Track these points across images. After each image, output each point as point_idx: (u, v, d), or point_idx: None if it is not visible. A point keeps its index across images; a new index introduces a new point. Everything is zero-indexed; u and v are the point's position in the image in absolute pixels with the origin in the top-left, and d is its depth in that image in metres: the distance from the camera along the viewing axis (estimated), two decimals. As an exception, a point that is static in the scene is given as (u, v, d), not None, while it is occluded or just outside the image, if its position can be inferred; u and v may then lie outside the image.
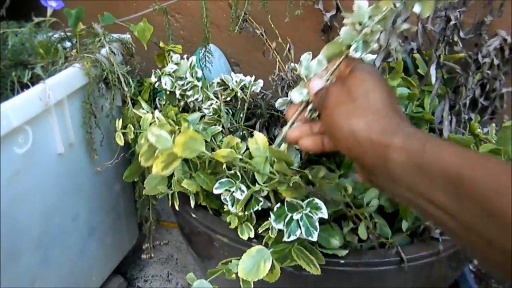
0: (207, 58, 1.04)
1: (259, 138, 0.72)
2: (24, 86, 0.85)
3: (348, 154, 0.52)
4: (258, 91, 0.96)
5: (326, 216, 0.68)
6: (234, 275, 0.71)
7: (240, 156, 0.72)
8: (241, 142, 0.80)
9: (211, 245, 0.84)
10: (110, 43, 0.93)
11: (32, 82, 0.85)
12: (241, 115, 0.94)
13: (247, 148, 0.84)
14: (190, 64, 0.92)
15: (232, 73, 0.96)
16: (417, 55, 0.95)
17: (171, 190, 0.82)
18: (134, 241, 1.22)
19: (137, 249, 1.28)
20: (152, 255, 1.12)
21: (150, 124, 0.82)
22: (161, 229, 1.37)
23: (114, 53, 0.91)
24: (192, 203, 0.81)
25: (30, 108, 0.76)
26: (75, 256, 0.97)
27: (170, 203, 0.84)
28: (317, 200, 0.69)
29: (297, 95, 0.61)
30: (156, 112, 0.82)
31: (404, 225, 0.78)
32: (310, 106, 0.60)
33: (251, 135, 0.95)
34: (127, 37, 0.97)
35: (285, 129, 0.61)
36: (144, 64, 1.01)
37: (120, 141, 0.86)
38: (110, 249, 1.10)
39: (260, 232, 0.73)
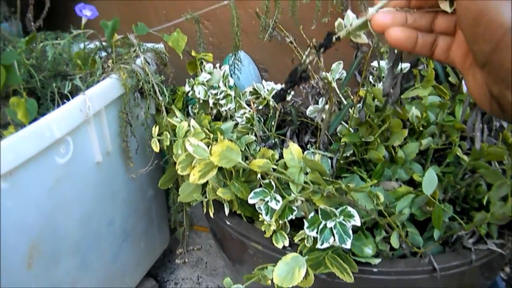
0: (236, 66, 1.06)
1: (294, 149, 0.74)
2: (63, 97, 0.88)
3: (487, 58, 0.39)
4: (289, 99, 0.98)
5: (359, 224, 0.70)
6: (269, 281, 0.72)
7: (275, 167, 0.73)
8: (273, 150, 0.81)
9: (244, 251, 0.85)
10: (145, 53, 0.95)
11: (70, 93, 0.88)
12: (273, 123, 0.96)
13: (280, 156, 0.86)
14: (223, 74, 0.94)
15: (264, 82, 0.98)
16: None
17: (206, 197, 0.84)
18: (166, 245, 1.24)
19: (168, 252, 1.31)
20: (186, 260, 1.14)
21: (186, 132, 0.84)
22: (191, 232, 1.39)
23: (148, 63, 0.94)
24: (227, 211, 0.83)
25: (71, 120, 0.79)
26: (110, 260, 1.00)
27: (204, 210, 0.86)
28: (350, 208, 0.71)
29: None
30: (192, 121, 0.84)
31: (436, 233, 0.78)
32: None
33: (282, 143, 0.97)
34: (161, 46, 0.99)
35: (371, 10, 0.47)
36: (174, 70, 1.03)
37: (156, 148, 0.89)
38: (143, 253, 1.13)
39: (295, 241, 0.75)
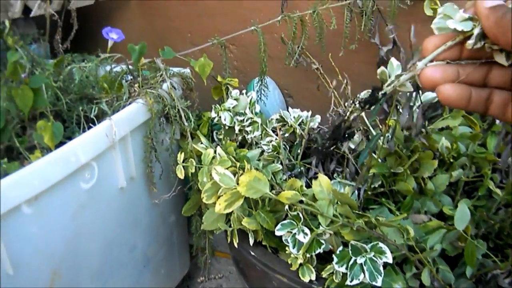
0: (262, 92, 1.05)
1: (323, 181, 0.72)
2: (88, 120, 0.88)
3: None
4: (315, 126, 0.96)
5: (391, 261, 0.68)
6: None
7: (304, 199, 0.72)
8: (299, 179, 0.80)
9: (268, 282, 0.83)
10: (171, 77, 0.94)
11: (96, 116, 0.87)
12: (299, 151, 0.94)
13: (306, 185, 0.84)
14: (250, 100, 0.93)
15: (290, 109, 0.97)
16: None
17: (230, 226, 0.82)
18: (186, 271, 1.22)
19: (187, 277, 1.29)
20: (207, 289, 1.12)
21: (212, 159, 0.82)
22: (211, 258, 1.37)
23: (174, 88, 0.93)
24: (251, 241, 0.81)
25: (97, 145, 0.78)
26: (131, 287, 0.98)
27: (228, 240, 0.84)
28: (381, 244, 0.69)
29: (451, 22, 0.42)
30: (218, 148, 0.83)
31: (469, 271, 0.75)
32: (477, 30, 0.40)
33: (308, 171, 0.95)
34: (187, 71, 0.99)
35: (420, 64, 0.44)
36: (198, 93, 1.03)
37: (181, 175, 0.87)
38: (163, 279, 1.11)
39: (323, 275, 0.73)
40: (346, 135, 0.54)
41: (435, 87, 0.42)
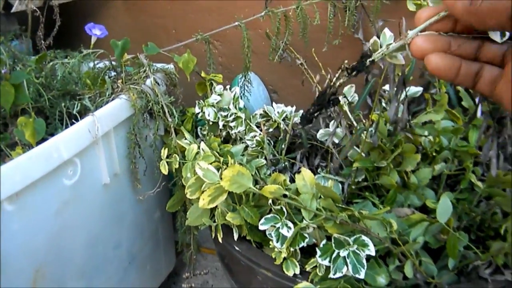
0: (246, 88, 1.05)
1: (306, 175, 0.72)
2: (71, 116, 0.87)
3: None
4: (299, 121, 0.97)
5: (373, 254, 0.68)
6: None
7: (287, 193, 0.72)
8: (283, 174, 0.80)
9: (253, 277, 0.83)
10: (155, 73, 0.94)
11: (79, 112, 0.87)
12: (283, 146, 0.94)
13: (290, 180, 0.84)
14: (234, 96, 0.93)
15: (274, 104, 0.97)
16: (460, 87, 0.94)
17: (214, 222, 0.82)
18: (172, 268, 1.22)
19: (173, 274, 1.29)
20: (193, 285, 1.12)
21: (195, 154, 0.82)
22: (197, 254, 1.37)
23: (158, 84, 0.93)
24: (236, 236, 0.81)
25: (80, 141, 0.77)
26: (116, 284, 0.98)
27: (213, 235, 0.84)
28: (364, 237, 0.69)
29: None
30: (202, 144, 0.83)
31: (451, 263, 0.76)
32: None
33: (292, 166, 0.95)
34: (171, 67, 0.98)
35: (411, 33, 0.44)
36: (182, 89, 1.02)
37: (165, 170, 0.87)
38: (149, 276, 1.11)
39: (307, 269, 0.73)
40: (331, 101, 0.53)
41: (424, 57, 0.42)
